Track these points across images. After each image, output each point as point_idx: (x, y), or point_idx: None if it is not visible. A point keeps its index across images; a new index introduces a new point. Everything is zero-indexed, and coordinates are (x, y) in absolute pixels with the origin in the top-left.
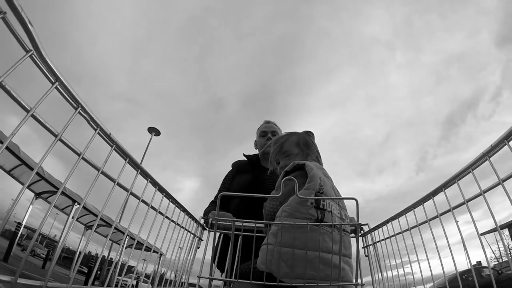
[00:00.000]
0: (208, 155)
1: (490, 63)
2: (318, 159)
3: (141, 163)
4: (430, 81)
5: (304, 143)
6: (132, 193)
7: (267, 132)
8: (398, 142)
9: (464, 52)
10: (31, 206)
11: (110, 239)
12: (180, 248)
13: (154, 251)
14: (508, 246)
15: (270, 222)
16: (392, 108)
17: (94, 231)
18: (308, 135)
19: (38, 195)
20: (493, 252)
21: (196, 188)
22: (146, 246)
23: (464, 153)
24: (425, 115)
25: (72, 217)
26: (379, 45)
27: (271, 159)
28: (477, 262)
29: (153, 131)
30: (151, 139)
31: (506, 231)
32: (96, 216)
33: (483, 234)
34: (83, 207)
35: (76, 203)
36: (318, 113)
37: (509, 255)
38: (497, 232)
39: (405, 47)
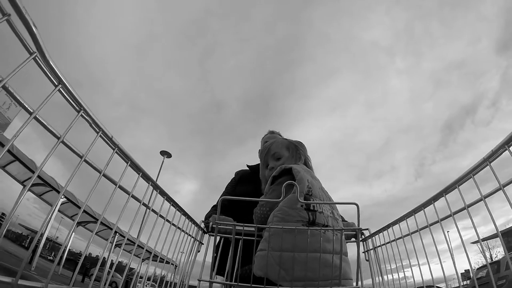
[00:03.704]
0: (207, 157)
1: (489, 70)
2: (306, 163)
3: (158, 175)
4: (429, 87)
5: (293, 146)
6: (133, 196)
7: None
8: (396, 148)
9: (464, 58)
10: (73, 234)
11: (118, 246)
12: (182, 252)
13: (169, 262)
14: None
15: (270, 226)
16: (391, 113)
17: (99, 237)
18: (299, 142)
19: (79, 224)
20: (491, 258)
21: (195, 190)
22: (159, 257)
23: (462, 159)
24: (424, 121)
25: (97, 234)
26: (379, 50)
27: (261, 163)
28: (465, 270)
29: (165, 154)
30: (163, 161)
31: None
32: (111, 229)
33: (484, 239)
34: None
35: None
36: (317, 117)
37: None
38: (495, 238)
39: (405, 53)
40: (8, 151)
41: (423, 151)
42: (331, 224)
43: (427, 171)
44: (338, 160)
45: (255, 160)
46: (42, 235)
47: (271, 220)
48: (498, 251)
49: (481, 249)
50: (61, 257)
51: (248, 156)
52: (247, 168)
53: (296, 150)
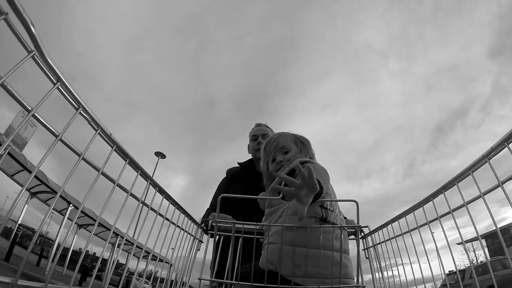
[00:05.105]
0: (198, 153)
1: (481, 75)
2: (312, 158)
3: (152, 175)
4: (421, 89)
5: (300, 140)
6: (132, 194)
7: (257, 136)
8: (387, 148)
9: (457, 63)
10: (69, 234)
11: (118, 247)
12: (172, 249)
13: (164, 261)
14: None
15: (270, 224)
16: (382, 114)
17: (93, 235)
18: (303, 137)
19: (80, 226)
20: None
21: (184, 185)
22: (153, 255)
23: (452, 160)
24: (415, 123)
25: (95, 234)
26: (372, 52)
27: (266, 157)
28: (449, 271)
29: (160, 154)
30: (157, 162)
31: (483, 242)
32: (109, 229)
33: (466, 241)
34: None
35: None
36: (309, 116)
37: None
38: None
39: (398, 56)
40: (20, 163)
41: (413, 152)
42: (339, 223)
43: (416, 171)
44: (329, 159)
45: (247, 158)
46: (40, 235)
47: (285, 213)
48: (480, 254)
49: (481, 245)
50: (63, 257)
51: (240, 153)
52: (238, 166)
53: (303, 144)
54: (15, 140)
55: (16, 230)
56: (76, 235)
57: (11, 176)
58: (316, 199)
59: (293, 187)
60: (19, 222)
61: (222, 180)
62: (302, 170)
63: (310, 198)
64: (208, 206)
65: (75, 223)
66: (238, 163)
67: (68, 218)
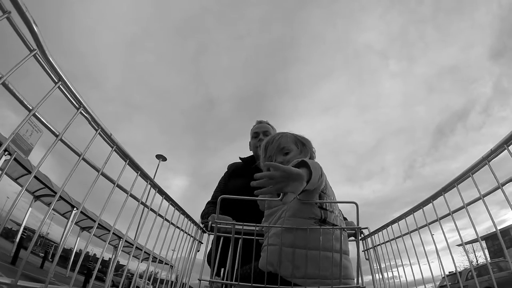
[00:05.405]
0: (198, 154)
1: (482, 76)
2: (312, 158)
3: (153, 177)
4: (422, 91)
5: (300, 141)
6: (131, 195)
7: (258, 133)
8: (387, 149)
9: (457, 64)
10: (69, 233)
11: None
12: (173, 250)
13: (164, 262)
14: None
15: (270, 226)
16: (383, 115)
17: (94, 236)
18: (303, 137)
19: (83, 229)
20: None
21: (184, 186)
22: (153, 257)
23: (452, 162)
24: (416, 124)
25: (94, 235)
26: (372, 52)
27: (266, 158)
28: (449, 272)
29: (160, 157)
30: (158, 165)
31: (483, 243)
32: (108, 230)
33: (466, 242)
34: (100, 225)
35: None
36: (309, 117)
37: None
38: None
39: (399, 56)
40: (25, 168)
41: (414, 154)
42: (339, 224)
43: (417, 173)
44: (329, 161)
45: (248, 151)
46: (40, 236)
47: (284, 214)
48: (480, 256)
49: (481, 247)
50: (67, 259)
51: (240, 153)
52: (240, 161)
53: (303, 145)
54: (20, 146)
55: (22, 234)
56: (79, 237)
57: (15, 180)
58: (310, 190)
59: (272, 185)
60: (23, 225)
61: (224, 174)
62: (263, 173)
63: (297, 185)
64: (210, 200)
65: (77, 225)
66: (240, 158)
67: (71, 221)
